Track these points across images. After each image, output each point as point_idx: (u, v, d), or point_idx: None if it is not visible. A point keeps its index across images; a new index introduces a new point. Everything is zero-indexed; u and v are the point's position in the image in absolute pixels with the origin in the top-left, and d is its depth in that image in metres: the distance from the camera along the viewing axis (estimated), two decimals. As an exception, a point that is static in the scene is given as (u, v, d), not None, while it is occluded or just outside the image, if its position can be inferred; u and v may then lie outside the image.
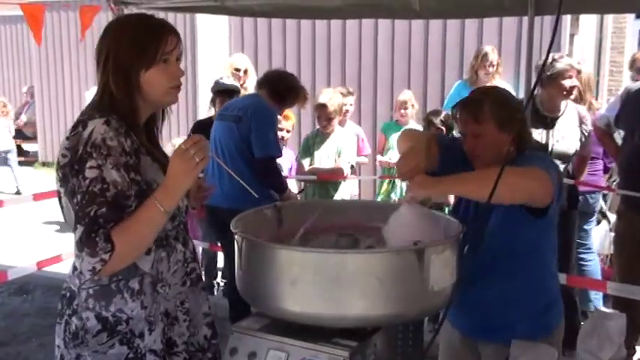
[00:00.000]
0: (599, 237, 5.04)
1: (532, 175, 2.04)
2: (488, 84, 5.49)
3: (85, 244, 1.71)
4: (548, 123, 4.03)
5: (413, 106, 5.57)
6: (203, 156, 1.80)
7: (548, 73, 3.96)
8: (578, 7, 4.60)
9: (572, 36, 7.85)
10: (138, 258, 1.85)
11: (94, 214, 1.72)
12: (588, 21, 8.98)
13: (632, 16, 9.79)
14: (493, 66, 5.53)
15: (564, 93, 3.99)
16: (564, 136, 4.04)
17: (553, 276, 2.38)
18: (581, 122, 4.10)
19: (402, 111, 5.56)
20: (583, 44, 8.59)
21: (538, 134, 4.00)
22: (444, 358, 2.56)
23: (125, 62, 1.86)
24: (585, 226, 4.65)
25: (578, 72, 4.06)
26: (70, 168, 1.81)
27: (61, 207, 1.93)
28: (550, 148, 4.00)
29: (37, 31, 4.94)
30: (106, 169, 1.76)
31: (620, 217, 4.23)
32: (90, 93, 9.27)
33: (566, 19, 7.28)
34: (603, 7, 4.86)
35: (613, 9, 5.91)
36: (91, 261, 1.71)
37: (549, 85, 4.00)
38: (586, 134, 4.12)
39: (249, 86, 5.40)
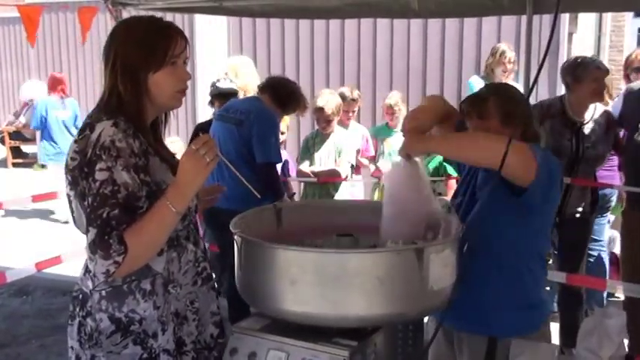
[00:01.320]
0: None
1: (516, 148, 2.01)
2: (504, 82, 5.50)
3: (98, 246, 1.72)
4: (578, 128, 3.93)
5: (400, 109, 5.52)
6: (213, 156, 1.82)
7: (578, 75, 3.85)
8: (576, 6, 4.61)
9: (570, 34, 7.86)
10: (151, 259, 1.86)
11: (107, 216, 1.73)
12: (587, 19, 8.98)
13: (631, 14, 9.81)
14: (511, 63, 5.51)
15: (595, 95, 3.88)
16: (595, 141, 3.95)
17: (536, 281, 2.33)
18: (610, 125, 4.01)
19: (391, 115, 5.54)
20: (582, 43, 8.60)
21: (567, 140, 3.91)
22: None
23: (134, 63, 1.87)
24: (601, 221, 4.64)
25: (607, 72, 3.93)
26: (80, 171, 1.81)
27: (71, 210, 1.92)
28: (580, 154, 3.92)
29: (32, 32, 4.95)
30: (117, 171, 1.76)
31: (624, 215, 4.21)
32: (26, 86, 9.22)
33: (565, 17, 7.28)
34: (602, 5, 4.87)
35: (611, 7, 5.92)
36: (104, 263, 1.72)
37: (577, 87, 3.88)
38: (612, 137, 4.05)
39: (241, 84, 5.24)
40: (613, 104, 4.72)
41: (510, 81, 5.55)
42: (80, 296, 1.92)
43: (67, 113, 8.19)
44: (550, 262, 4.53)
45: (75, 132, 9.03)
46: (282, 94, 4.18)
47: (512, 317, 2.27)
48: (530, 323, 2.31)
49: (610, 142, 4.05)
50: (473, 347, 2.31)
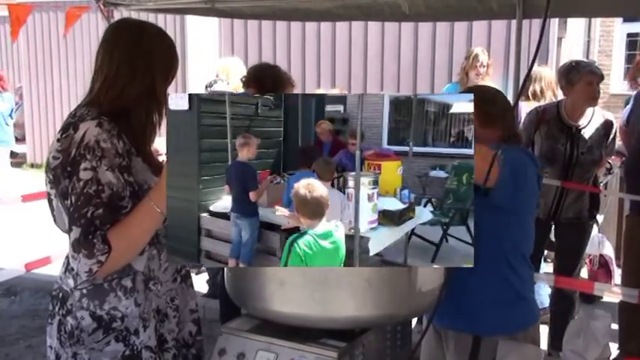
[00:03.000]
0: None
1: (477, 150, 2.14)
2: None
3: (82, 245, 1.72)
4: (574, 133, 3.88)
5: None
6: None
7: (571, 79, 3.83)
8: (565, 10, 4.63)
9: (560, 39, 7.91)
10: (133, 258, 1.86)
11: (91, 215, 1.73)
12: (576, 24, 9.04)
13: (620, 19, 9.88)
14: (484, 67, 5.48)
15: (588, 100, 3.84)
16: (591, 146, 3.90)
17: (519, 275, 2.33)
18: (608, 130, 3.96)
19: None
20: (571, 47, 8.65)
21: (561, 145, 3.88)
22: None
23: (161, 69, 1.92)
24: None
25: (602, 77, 3.90)
26: (62, 170, 1.80)
27: (51, 209, 1.92)
28: (575, 159, 3.88)
29: (16, 28, 4.97)
30: (101, 171, 1.76)
31: (627, 220, 4.19)
32: None
33: (554, 22, 7.33)
34: (591, 10, 4.89)
35: (600, 12, 5.95)
36: (87, 262, 1.72)
37: (570, 90, 3.86)
38: (610, 142, 4.00)
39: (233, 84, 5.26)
40: (625, 108, 4.71)
41: (487, 84, 5.55)
42: (60, 295, 1.91)
43: (5, 105, 9.51)
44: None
45: (11, 123, 9.86)
46: (267, 82, 4.17)
47: (497, 316, 2.28)
48: (516, 322, 2.32)
49: (609, 147, 4.01)
50: (459, 345, 2.33)
